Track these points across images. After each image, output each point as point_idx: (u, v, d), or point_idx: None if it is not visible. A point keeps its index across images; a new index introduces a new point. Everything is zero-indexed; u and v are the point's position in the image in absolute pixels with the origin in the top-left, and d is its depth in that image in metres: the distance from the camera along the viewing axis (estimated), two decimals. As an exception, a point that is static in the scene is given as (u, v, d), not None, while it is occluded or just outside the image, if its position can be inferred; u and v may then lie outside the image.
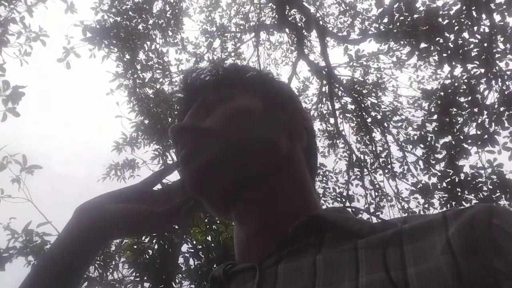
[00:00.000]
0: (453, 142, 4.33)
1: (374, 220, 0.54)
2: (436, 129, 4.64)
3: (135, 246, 3.69)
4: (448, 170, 4.33)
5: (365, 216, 6.21)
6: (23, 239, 3.75)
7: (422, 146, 4.83)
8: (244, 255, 0.56)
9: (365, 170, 6.60)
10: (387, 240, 0.43)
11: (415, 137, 4.94)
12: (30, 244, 3.77)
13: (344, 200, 6.22)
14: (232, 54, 8.14)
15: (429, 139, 4.76)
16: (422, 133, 4.74)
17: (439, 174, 4.59)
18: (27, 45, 5.01)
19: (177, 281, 3.72)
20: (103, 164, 5.94)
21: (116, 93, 6.18)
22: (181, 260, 3.71)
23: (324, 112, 7.62)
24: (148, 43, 6.28)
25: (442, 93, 4.44)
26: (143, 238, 3.76)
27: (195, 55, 7.44)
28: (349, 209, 0.59)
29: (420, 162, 5.46)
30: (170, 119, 5.90)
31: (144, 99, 5.94)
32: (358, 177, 6.49)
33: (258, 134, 0.58)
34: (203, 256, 3.72)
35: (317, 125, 8.01)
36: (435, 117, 4.53)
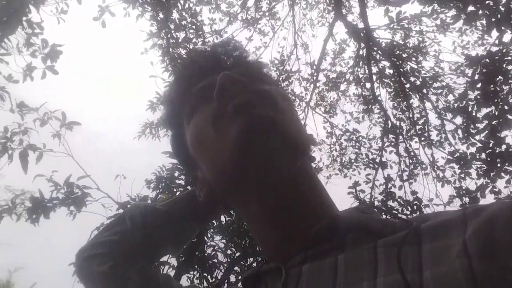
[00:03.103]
0: (496, 113, 4.12)
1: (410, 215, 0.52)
2: (478, 97, 4.42)
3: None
4: (488, 141, 4.15)
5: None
6: (64, 190, 3.95)
7: (462, 116, 4.64)
8: (271, 255, 0.57)
9: (400, 137, 6.45)
10: (403, 239, 0.42)
11: (455, 105, 4.73)
12: (71, 196, 3.98)
13: (376, 166, 6.14)
14: (267, 13, 7.93)
15: (470, 108, 4.56)
16: (464, 103, 4.53)
17: (478, 144, 4.42)
18: (63, 3, 5.05)
19: (209, 235, 3.86)
20: (138, 125, 6.08)
21: (150, 53, 6.22)
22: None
23: (361, 76, 7.42)
24: (182, 1, 6.20)
25: (488, 60, 4.18)
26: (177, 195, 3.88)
27: (228, 14, 7.30)
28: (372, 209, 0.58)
29: (459, 131, 5.27)
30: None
31: (177, 59, 5.94)
32: (392, 143, 6.35)
33: (302, 128, 0.58)
34: (233, 213, 3.82)
35: (352, 90, 7.84)
36: (478, 85, 4.30)
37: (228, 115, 0.52)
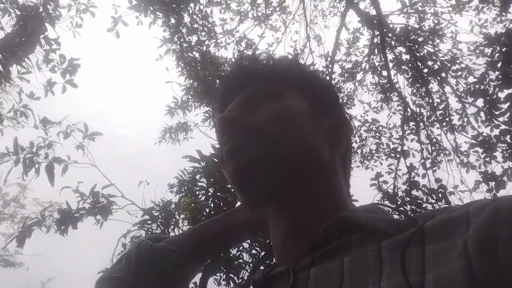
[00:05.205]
0: (519, 93, 3.98)
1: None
2: (500, 77, 4.27)
3: (193, 205, 3.88)
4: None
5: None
6: (90, 200, 4.07)
7: (484, 97, 4.50)
8: (280, 258, 0.58)
9: (421, 124, 6.31)
10: (407, 240, 0.42)
11: (476, 87, 4.59)
12: (98, 205, 4.10)
13: (398, 155, 6.04)
14: (277, 8, 7.89)
15: (491, 89, 4.41)
16: (483, 85, 4.39)
17: (502, 126, 4.28)
18: (77, 17, 5.18)
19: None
20: (158, 127, 6.20)
21: (165, 58, 6.31)
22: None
23: (377, 64, 7.29)
24: (192, 4, 6.25)
25: (507, 38, 4.04)
26: (200, 197, 3.95)
27: (239, 13, 7.31)
28: (384, 207, 0.58)
29: (482, 114, 5.12)
30: (218, 81, 5.96)
31: (191, 63, 6.00)
32: (413, 131, 6.23)
33: (304, 141, 0.59)
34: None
35: (369, 79, 7.71)
36: (498, 65, 4.15)
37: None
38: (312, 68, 0.76)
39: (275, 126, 0.58)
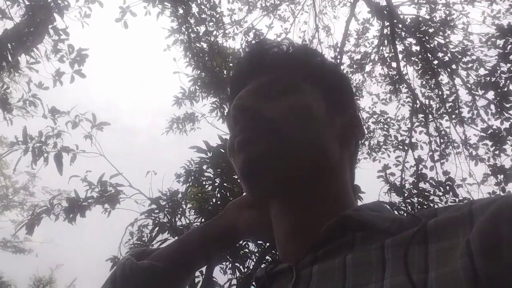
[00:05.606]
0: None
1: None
2: (511, 69, 4.21)
3: (199, 195, 3.91)
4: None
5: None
6: (98, 189, 4.11)
7: (494, 90, 4.44)
8: (284, 255, 0.58)
9: (430, 116, 6.25)
10: (410, 238, 0.42)
11: (487, 79, 4.53)
12: (105, 194, 4.14)
13: (406, 148, 6.00)
14: (286, -1, 7.83)
15: (503, 81, 4.35)
16: (495, 77, 4.32)
17: (513, 119, 4.23)
18: (86, 7, 5.19)
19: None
20: (165, 118, 6.22)
21: (173, 49, 6.31)
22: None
23: (386, 55, 7.21)
24: (200, -6, 6.22)
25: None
26: (206, 187, 3.98)
27: (247, 3, 7.26)
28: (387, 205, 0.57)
29: (492, 106, 5.05)
30: (225, 71, 5.95)
31: (199, 53, 6.00)
32: (422, 123, 6.18)
33: (316, 140, 0.58)
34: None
35: (378, 70, 7.64)
36: (511, 57, 4.09)
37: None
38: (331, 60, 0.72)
39: (290, 122, 0.57)
